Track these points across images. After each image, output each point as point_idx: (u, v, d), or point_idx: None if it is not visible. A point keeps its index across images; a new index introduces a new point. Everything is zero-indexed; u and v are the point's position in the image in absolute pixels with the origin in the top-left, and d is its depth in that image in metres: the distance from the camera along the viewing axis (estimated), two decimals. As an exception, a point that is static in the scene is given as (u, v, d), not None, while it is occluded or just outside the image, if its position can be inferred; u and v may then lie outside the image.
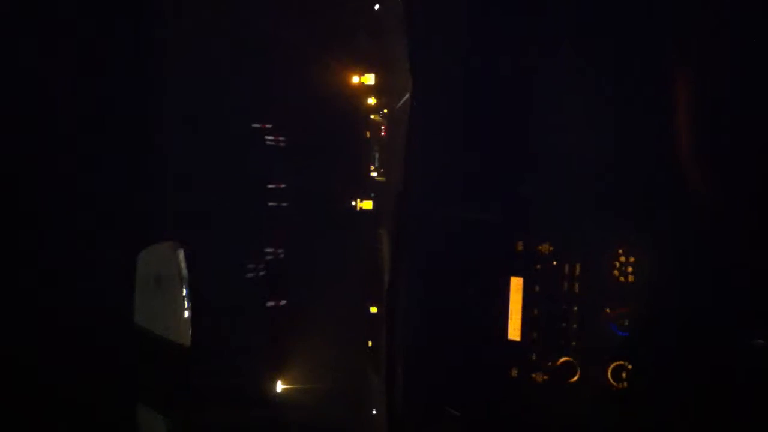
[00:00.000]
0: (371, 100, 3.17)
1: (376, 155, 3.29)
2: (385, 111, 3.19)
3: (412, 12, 2.31)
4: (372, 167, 3.26)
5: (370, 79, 3.15)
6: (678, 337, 2.05)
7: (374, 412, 2.75)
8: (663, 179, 2.10)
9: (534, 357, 2.12)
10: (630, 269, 2.08)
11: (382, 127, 3.22)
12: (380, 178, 3.22)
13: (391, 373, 2.26)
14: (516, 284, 2.13)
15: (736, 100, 2.05)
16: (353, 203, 3.22)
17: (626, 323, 2.06)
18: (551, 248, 2.13)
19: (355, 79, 3.14)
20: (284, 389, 2.90)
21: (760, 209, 2.03)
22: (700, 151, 2.07)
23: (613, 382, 2.05)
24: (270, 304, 3.02)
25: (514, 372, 2.14)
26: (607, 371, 2.06)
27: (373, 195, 3.21)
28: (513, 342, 2.14)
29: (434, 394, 2.28)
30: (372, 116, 3.25)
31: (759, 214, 2.03)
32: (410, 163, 2.28)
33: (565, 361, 2.09)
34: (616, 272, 2.09)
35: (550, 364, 2.11)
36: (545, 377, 2.12)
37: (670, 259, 2.09)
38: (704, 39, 2.07)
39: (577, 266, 2.11)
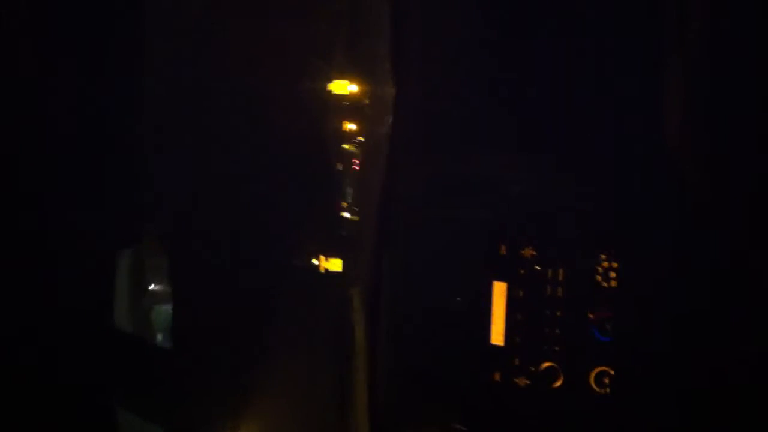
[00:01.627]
0: (347, 125, 2.71)
1: (349, 190, 2.72)
2: (361, 139, 2.64)
3: (398, 12, 2.29)
4: (344, 204, 2.72)
5: (342, 87, 2.61)
6: (661, 342, 2.04)
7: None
8: (647, 184, 2.10)
9: (517, 362, 2.11)
10: (613, 274, 2.08)
11: (354, 160, 2.66)
12: (353, 218, 2.69)
13: (372, 380, 2.25)
14: (499, 289, 2.12)
15: (730, 95, 2.04)
16: (317, 263, 2.63)
17: (609, 328, 2.06)
18: (534, 253, 2.12)
19: (321, 87, 2.62)
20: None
21: (749, 212, 2.03)
22: (692, 149, 2.07)
23: (595, 388, 2.05)
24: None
25: (497, 376, 2.13)
26: (589, 376, 2.06)
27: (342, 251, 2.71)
28: (496, 346, 2.13)
29: (416, 399, 2.27)
30: (345, 146, 2.70)
31: (746, 218, 2.03)
32: (393, 166, 2.27)
33: (547, 366, 2.08)
34: (599, 277, 2.09)
35: (532, 368, 2.10)
36: (528, 382, 2.11)
37: (653, 265, 2.09)
38: (699, 34, 2.06)
39: (561, 271, 2.10)
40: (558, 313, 2.12)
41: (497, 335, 2.13)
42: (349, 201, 2.57)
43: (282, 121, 2.51)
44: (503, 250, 2.16)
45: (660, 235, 2.10)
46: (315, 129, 2.52)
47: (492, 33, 2.23)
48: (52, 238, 2.44)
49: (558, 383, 2.09)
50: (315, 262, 2.51)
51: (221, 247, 2.57)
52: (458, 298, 2.17)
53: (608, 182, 2.15)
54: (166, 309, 2.56)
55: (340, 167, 2.56)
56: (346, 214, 2.61)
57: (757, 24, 1.98)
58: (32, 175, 2.41)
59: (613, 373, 2.06)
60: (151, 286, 2.60)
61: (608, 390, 2.06)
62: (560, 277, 2.13)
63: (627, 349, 2.07)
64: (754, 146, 2.02)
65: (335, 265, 2.50)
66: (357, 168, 2.55)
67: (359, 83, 2.47)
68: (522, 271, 2.14)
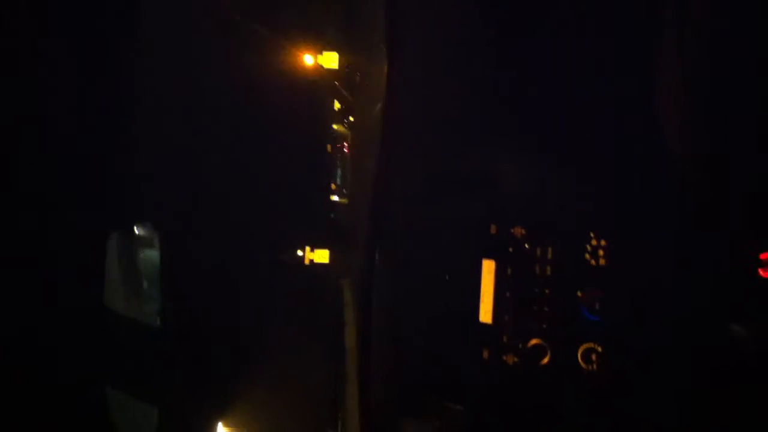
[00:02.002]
0: (337, 103, 2.60)
1: (339, 172, 2.64)
2: (351, 119, 2.58)
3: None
4: (333, 185, 2.63)
5: (332, 60, 2.49)
6: (648, 320, 2.06)
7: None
8: (636, 162, 2.12)
9: (505, 339, 2.12)
10: (602, 253, 2.09)
11: (345, 143, 2.60)
12: (342, 200, 2.63)
13: (363, 363, 2.26)
14: (488, 267, 2.14)
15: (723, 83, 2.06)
16: (302, 254, 2.60)
17: (597, 307, 2.07)
18: (524, 231, 2.14)
19: (309, 60, 2.46)
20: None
21: (738, 197, 2.05)
22: (684, 131, 2.08)
23: (583, 364, 2.06)
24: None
25: (486, 354, 2.14)
26: (577, 353, 2.07)
27: (331, 238, 2.56)
28: (484, 324, 2.15)
29: (406, 378, 2.28)
30: (335, 126, 2.62)
31: (736, 202, 2.05)
32: (385, 147, 2.28)
33: (535, 344, 2.10)
34: (587, 256, 2.10)
35: (521, 346, 2.12)
36: (516, 359, 2.12)
37: (641, 243, 2.10)
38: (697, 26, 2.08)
39: (550, 249, 2.12)
40: (546, 292, 2.13)
41: (486, 313, 2.15)
42: (338, 183, 2.53)
43: (269, 97, 2.48)
44: (493, 229, 2.18)
45: (649, 215, 2.12)
46: (304, 106, 2.50)
47: (491, 30, 2.25)
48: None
49: (546, 360, 2.10)
50: (301, 253, 2.47)
51: (206, 234, 2.57)
52: (447, 276, 2.19)
53: (601, 167, 2.17)
54: (157, 295, 2.57)
55: (329, 148, 2.54)
56: (335, 198, 2.58)
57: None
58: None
59: (600, 350, 2.08)
60: (142, 280, 2.60)
61: (595, 367, 2.07)
62: (549, 256, 2.14)
63: (615, 327, 2.09)
64: (753, 146, 2.04)
65: (322, 256, 2.47)
66: (347, 150, 2.52)
67: (351, 58, 2.43)
68: (511, 250, 2.16)
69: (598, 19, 2.14)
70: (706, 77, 2.05)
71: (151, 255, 2.50)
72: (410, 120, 2.32)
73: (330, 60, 2.51)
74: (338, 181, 2.62)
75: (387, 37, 2.23)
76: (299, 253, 2.55)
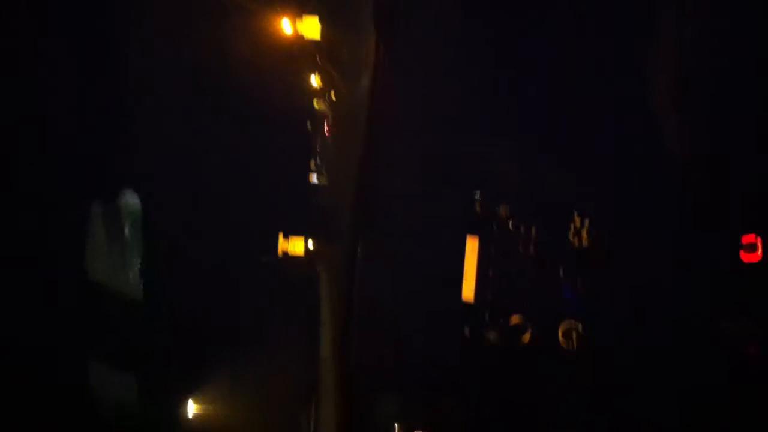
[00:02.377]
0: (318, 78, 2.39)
1: (317, 152, 2.55)
2: (333, 96, 2.49)
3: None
4: (312, 164, 2.53)
5: (314, 28, 2.30)
6: (630, 299, 2.08)
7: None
8: (620, 145, 2.14)
9: (487, 317, 2.13)
10: (585, 233, 2.11)
11: (326, 121, 2.47)
12: (322, 182, 2.53)
13: (343, 339, 2.26)
14: (472, 244, 2.15)
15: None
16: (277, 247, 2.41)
17: (579, 285, 2.09)
18: (509, 210, 2.15)
19: (288, 28, 2.25)
20: (197, 414, 2.45)
21: (718, 175, 2.07)
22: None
23: (563, 342, 2.08)
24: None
25: (467, 331, 2.15)
26: (558, 331, 2.09)
27: (309, 224, 2.36)
28: (467, 302, 2.16)
29: (388, 355, 2.29)
30: (315, 103, 2.53)
31: (716, 181, 2.07)
32: (371, 128, 2.28)
33: (517, 321, 2.11)
34: (571, 235, 2.11)
35: (502, 323, 2.13)
36: (497, 336, 2.13)
37: (624, 225, 2.12)
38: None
39: (533, 229, 2.13)
40: (529, 270, 2.14)
41: (468, 290, 2.16)
42: (318, 163, 2.40)
43: (243, 69, 2.36)
44: (477, 207, 2.19)
45: (631, 197, 2.14)
46: (281, 79, 2.39)
47: (478, 20, 2.26)
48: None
49: (526, 337, 2.12)
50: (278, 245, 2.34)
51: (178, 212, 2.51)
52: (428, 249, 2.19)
53: (585, 152, 2.19)
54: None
55: (308, 126, 2.42)
56: (314, 178, 2.45)
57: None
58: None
59: (580, 328, 2.09)
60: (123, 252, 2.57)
61: (575, 344, 2.09)
62: (533, 235, 2.16)
63: (595, 305, 2.11)
64: (753, 146, 2.06)
65: (297, 246, 2.35)
66: (328, 130, 2.39)
67: (335, 29, 2.29)
68: (495, 228, 2.17)
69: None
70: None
71: (131, 228, 2.48)
72: (397, 99, 2.33)
73: (311, 28, 2.40)
74: (318, 161, 2.52)
75: (376, 13, 2.23)
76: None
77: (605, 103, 2.07)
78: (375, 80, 2.15)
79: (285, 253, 2.15)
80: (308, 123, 2.16)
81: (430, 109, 2.17)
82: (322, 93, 2.16)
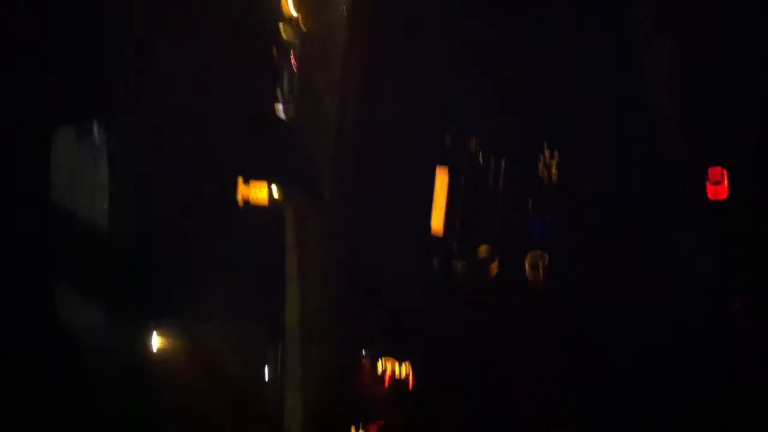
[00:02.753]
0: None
1: (284, 82, 2.28)
2: (304, 29, 2.24)
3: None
4: (278, 93, 2.28)
5: None
6: (597, 229, 2.10)
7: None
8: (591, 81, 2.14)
9: (455, 247, 2.14)
10: (554, 167, 2.12)
11: (292, 54, 2.27)
12: (289, 115, 2.30)
13: (328, 277, 2.24)
14: (442, 175, 2.14)
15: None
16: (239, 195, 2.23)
17: (547, 217, 2.10)
18: (479, 142, 2.15)
19: None
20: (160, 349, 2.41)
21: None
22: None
23: (530, 272, 2.10)
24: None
25: (435, 262, 2.16)
26: (525, 261, 2.10)
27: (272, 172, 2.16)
28: (435, 232, 2.16)
29: (360, 287, 2.28)
30: (282, 28, 2.26)
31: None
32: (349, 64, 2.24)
33: (485, 251, 2.12)
34: (540, 167, 2.12)
35: (469, 254, 2.13)
36: (465, 265, 2.14)
37: (593, 160, 2.13)
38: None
39: (503, 161, 2.13)
40: (498, 202, 2.15)
41: (437, 221, 2.16)
42: (285, 93, 2.24)
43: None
44: (447, 138, 2.18)
45: (603, 131, 2.15)
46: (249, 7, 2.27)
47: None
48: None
49: (494, 267, 2.13)
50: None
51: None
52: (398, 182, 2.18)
53: (548, 80, 2.18)
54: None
55: (274, 52, 2.27)
56: (280, 109, 2.28)
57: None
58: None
59: (547, 258, 2.11)
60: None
61: (542, 274, 2.11)
62: (502, 167, 2.16)
63: (562, 236, 2.12)
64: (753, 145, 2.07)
65: (260, 192, 2.20)
66: (294, 61, 2.26)
67: None
68: (466, 160, 2.17)
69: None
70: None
71: (96, 156, 2.43)
72: (371, 31, 2.30)
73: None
74: (284, 89, 2.37)
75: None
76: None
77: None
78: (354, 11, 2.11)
79: (246, 201, 2.00)
80: (274, 50, 1.99)
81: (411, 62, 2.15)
82: (290, 22, 2.00)
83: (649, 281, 2.07)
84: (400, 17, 2.23)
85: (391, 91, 2.24)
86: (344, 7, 2.19)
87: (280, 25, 2.28)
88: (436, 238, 2.18)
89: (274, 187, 2.27)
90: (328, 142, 2.29)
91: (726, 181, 2.06)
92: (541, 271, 2.08)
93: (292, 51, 2.34)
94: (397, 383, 2.16)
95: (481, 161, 2.18)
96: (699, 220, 2.08)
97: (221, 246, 2.36)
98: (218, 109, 2.25)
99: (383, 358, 2.19)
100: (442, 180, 2.15)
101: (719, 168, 2.06)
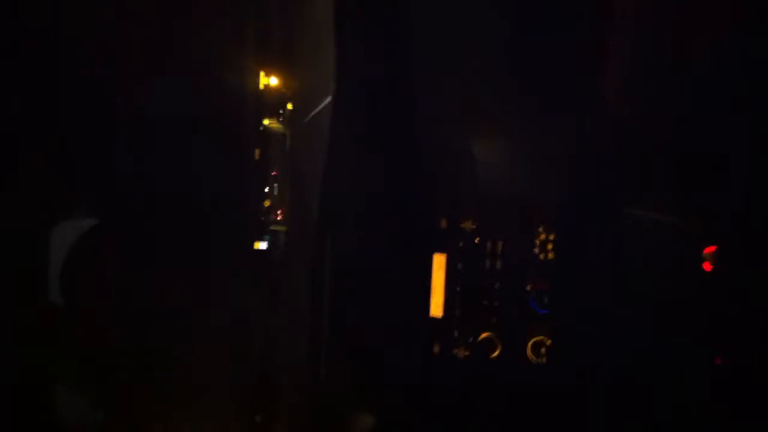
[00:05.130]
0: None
1: (275, 184, 2.08)
2: (290, 107, 2.08)
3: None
4: (267, 201, 2.08)
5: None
6: (596, 314, 2.10)
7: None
8: (581, 159, 2.15)
9: (456, 333, 2.13)
10: (550, 247, 2.12)
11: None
12: (281, 228, 2.11)
13: (314, 356, 2.22)
14: (439, 261, 2.13)
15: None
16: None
17: (546, 300, 2.10)
18: (474, 226, 2.14)
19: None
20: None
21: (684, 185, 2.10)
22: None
23: (533, 357, 2.09)
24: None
25: (437, 348, 2.15)
26: (527, 346, 2.10)
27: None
28: (435, 318, 2.14)
29: (358, 373, 2.26)
30: (266, 121, 2.05)
31: (681, 191, 2.11)
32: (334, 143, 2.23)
33: (486, 337, 2.11)
34: (536, 250, 2.12)
35: (471, 339, 2.13)
36: (467, 353, 2.13)
37: (589, 238, 2.14)
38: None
39: (499, 244, 2.13)
40: (496, 285, 2.15)
41: (436, 307, 2.14)
42: (276, 194, 2.13)
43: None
44: (443, 223, 2.18)
45: (592, 211, 2.16)
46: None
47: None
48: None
49: (496, 354, 2.12)
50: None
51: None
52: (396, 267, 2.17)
53: (542, 159, 2.19)
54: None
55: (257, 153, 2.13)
56: (273, 224, 2.17)
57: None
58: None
59: (549, 342, 2.11)
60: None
61: (545, 359, 2.11)
62: (499, 250, 2.15)
63: (563, 319, 2.13)
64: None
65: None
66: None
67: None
68: (461, 244, 2.16)
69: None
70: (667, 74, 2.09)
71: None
72: (360, 111, 2.29)
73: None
74: (275, 192, 2.12)
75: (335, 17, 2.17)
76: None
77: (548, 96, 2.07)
78: (337, 88, 2.08)
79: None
80: (257, 151, 1.84)
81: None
82: (274, 107, 1.91)
83: (653, 358, 2.08)
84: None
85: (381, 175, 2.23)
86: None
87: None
88: (436, 325, 2.17)
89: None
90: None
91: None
92: (544, 356, 2.07)
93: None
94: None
95: (477, 243, 2.17)
96: (698, 292, 2.11)
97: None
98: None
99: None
100: (439, 265, 2.14)
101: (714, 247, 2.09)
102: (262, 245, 2.22)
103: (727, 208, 2.08)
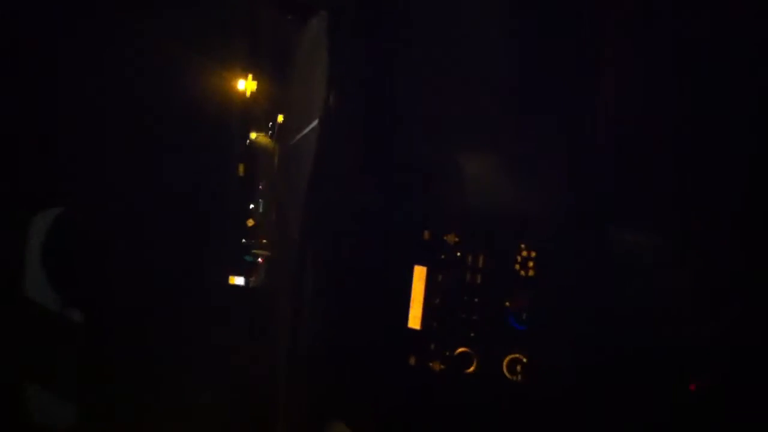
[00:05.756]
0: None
1: (260, 200, 1.97)
2: (281, 119, 1.99)
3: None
4: (250, 221, 1.99)
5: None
6: (574, 333, 2.08)
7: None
8: (566, 175, 2.13)
9: (433, 346, 2.12)
10: (531, 264, 2.10)
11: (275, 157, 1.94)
12: (263, 252, 2.01)
13: (293, 367, 2.23)
14: (419, 273, 2.13)
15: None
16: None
17: (525, 317, 2.09)
18: (457, 239, 2.14)
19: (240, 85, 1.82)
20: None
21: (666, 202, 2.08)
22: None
23: (508, 375, 2.07)
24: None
25: (412, 360, 2.14)
26: (503, 363, 2.08)
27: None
28: (412, 330, 2.14)
29: (334, 382, 2.26)
30: (253, 135, 1.98)
31: (661, 208, 2.08)
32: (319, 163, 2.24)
33: (462, 351, 2.10)
34: (517, 266, 2.11)
35: (447, 353, 2.12)
36: (442, 366, 2.12)
37: (570, 256, 2.12)
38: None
39: (481, 258, 2.12)
40: (475, 300, 2.13)
41: (414, 319, 2.14)
42: (260, 211, 2.06)
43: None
44: (426, 235, 2.17)
45: (575, 228, 2.14)
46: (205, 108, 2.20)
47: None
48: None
49: (472, 368, 2.11)
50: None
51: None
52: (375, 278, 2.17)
53: (525, 174, 2.18)
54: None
55: (241, 169, 2.08)
56: (255, 249, 2.08)
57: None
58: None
59: (525, 360, 2.09)
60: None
61: (520, 377, 2.08)
62: (480, 264, 2.14)
63: (540, 337, 2.10)
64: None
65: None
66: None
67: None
68: (443, 257, 2.16)
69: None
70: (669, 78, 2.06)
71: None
72: (346, 124, 2.30)
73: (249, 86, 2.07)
74: (261, 209, 2.01)
75: (328, 26, 2.19)
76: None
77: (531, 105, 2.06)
78: (328, 100, 2.10)
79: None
80: (240, 166, 1.82)
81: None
82: (261, 121, 1.89)
83: (631, 377, 2.05)
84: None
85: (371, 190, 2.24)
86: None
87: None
88: (413, 337, 2.16)
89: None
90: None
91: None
92: (519, 374, 2.05)
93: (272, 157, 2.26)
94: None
95: (459, 257, 2.16)
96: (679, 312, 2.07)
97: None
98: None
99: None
100: (419, 277, 2.14)
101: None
102: (238, 280, 2.20)
103: (727, 208, 2.05)
